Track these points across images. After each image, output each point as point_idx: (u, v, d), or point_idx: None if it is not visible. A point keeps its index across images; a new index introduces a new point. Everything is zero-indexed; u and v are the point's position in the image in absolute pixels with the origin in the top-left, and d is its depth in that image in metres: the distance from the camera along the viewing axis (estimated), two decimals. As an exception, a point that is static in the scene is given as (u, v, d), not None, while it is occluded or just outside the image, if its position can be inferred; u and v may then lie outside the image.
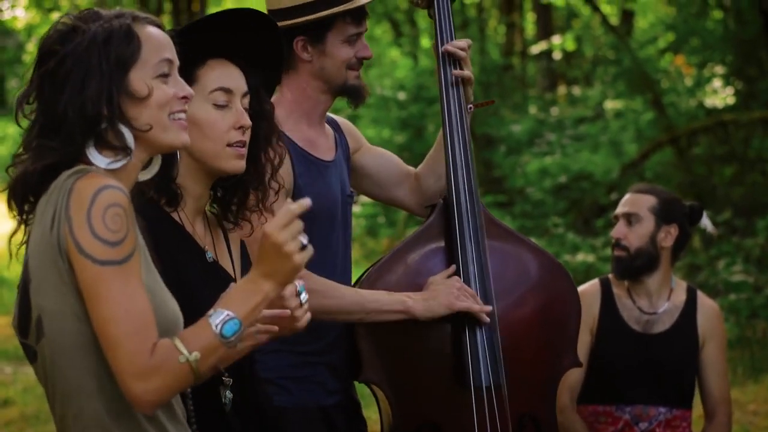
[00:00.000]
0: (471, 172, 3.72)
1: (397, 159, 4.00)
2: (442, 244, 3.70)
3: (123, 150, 2.39)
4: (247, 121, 3.02)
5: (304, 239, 2.42)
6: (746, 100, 12.63)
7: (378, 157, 3.93)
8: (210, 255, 3.01)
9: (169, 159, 2.87)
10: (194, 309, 2.57)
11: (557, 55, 16.31)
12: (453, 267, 3.62)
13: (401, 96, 14.72)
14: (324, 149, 3.68)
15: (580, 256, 10.80)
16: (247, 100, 3.05)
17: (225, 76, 3.02)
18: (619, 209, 4.34)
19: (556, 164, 13.27)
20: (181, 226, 2.99)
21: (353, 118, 14.43)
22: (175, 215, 3.00)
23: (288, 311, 2.71)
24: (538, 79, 17.15)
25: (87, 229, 2.27)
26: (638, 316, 4.28)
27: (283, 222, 2.40)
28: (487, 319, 3.57)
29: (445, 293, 3.52)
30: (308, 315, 2.79)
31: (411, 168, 3.98)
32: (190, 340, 2.32)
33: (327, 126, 3.77)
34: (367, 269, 3.74)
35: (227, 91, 3.01)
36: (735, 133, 11.86)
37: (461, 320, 3.58)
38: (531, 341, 3.74)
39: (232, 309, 2.36)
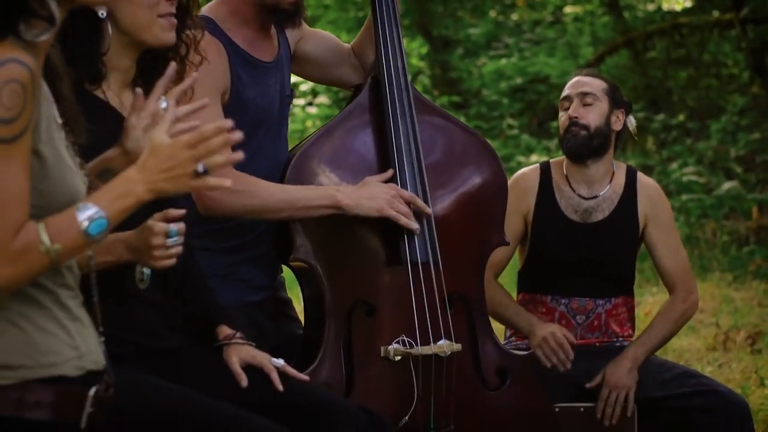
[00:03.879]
0: (401, 48, 3.72)
1: (336, 39, 4.00)
2: (372, 120, 3.69)
3: (48, 20, 2.29)
4: None
5: (201, 167, 2.28)
6: (702, 4, 12.62)
7: (318, 40, 3.93)
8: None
9: (97, 35, 2.84)
10: None
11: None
12: (391, 171, 3.61)
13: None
14: (265, 51, 3.67)
15: (534, 157, 10.85)
16: None
17: None
18: (571, 90, 4.22)
19: (512, 66, 13.27)
20: (106, 103, 2.99)
21: (311, 20, 14.32)
22: (99, 92, 2.99)
23: None
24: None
25: None
26: (577, 203, 4.21)
27: (193, 141, 2.30)
28: (417, 227, 3.55)
29: (380, 197, 3.50)
30: (171, 261, 2.71)
31: (348, 45, 3.98)
32: (54, 230, 2.24)
33: (272, 27, 3.74)
34: (296, 145, 3.73)
35: None
36: (690, 37, 11.87)
37: None
38: (460, 218, 3.75)
39: (102, 206, 2.27)
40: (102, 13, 2.88)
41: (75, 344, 2.36)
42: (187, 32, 3.11)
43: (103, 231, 2.27)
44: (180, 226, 2.70)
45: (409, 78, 3.73)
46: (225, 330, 3.17)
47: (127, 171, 2.32)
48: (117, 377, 2.47)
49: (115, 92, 3.01)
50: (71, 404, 2.35)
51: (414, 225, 3.54)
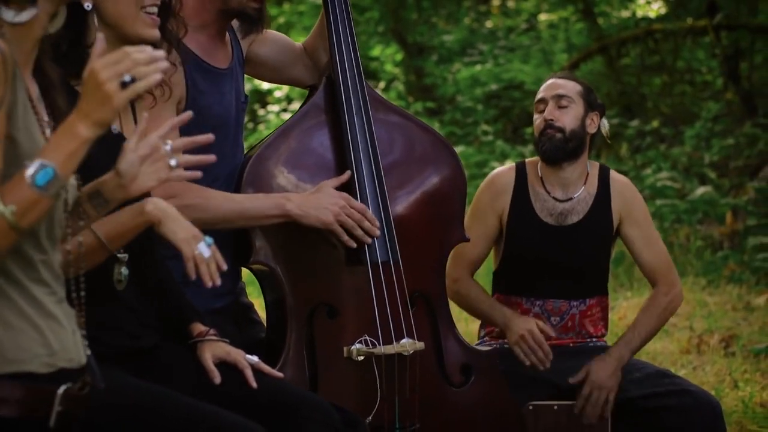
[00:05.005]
0: (354, 47, 3.70)
1: (289, 39, 3.98)
2: (328, 120, 3.67)
3: (28, 1, 2.30)
4: None
5: (127, 77, 2.24)
6: (676, 10, 12.66)
7: (270, 42, 3.90)
8: (115, 127, 2.99)
9: (83, 27, 2.82)
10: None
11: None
12: (348, 173, 3.59)
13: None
14: (219, 57, 3.64)
15: (509, 163, 10.82)
16: None
17: None
18: (546, 92, 4.18)
19: (487, 73, 13.28)
20: None
21: (286, 27, 14.32)
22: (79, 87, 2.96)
23: None
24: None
25: None
26: (552, 206, 4.19)
27: (113, 59, 2.25)
28: (354, 245, 3.53)
29: (325, 209, 3.48)
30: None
31: (301, 45, 3.97)
32: (7, 193, 2.20)
33: (227, 34, 3.72)
34: (252, 147, 3.71)
35: None
36: (664, 43, 11.89)
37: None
38: (419, 216, 3.74)
39: (47, 157, 2.22)
40: (88, 5, 2.91)
41: (45, 341, 2.33)
42: (171, 31, 3.13)
43: (51, 180, 2.22)
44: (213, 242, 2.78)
45: (364, 77, 3.71)
46: (198, 327, 3.18)
47: (70, 115, 2.28)
48: (95, 377, 2.44)
49: None
50: (39, 402, 2.32)
51: (353, 243, 3.52)
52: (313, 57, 3.90)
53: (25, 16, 2.31)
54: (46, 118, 2.39)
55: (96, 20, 2.97)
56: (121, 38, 3.00)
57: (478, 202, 4.25)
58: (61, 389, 2.34)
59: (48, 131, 2.37)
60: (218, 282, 2.73)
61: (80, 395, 2.38)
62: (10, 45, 2.28)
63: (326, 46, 3.74)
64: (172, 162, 2.43)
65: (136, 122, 3.08)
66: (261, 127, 14.08)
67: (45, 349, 2.33)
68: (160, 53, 2.29)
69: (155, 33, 3.03)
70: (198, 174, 2.36)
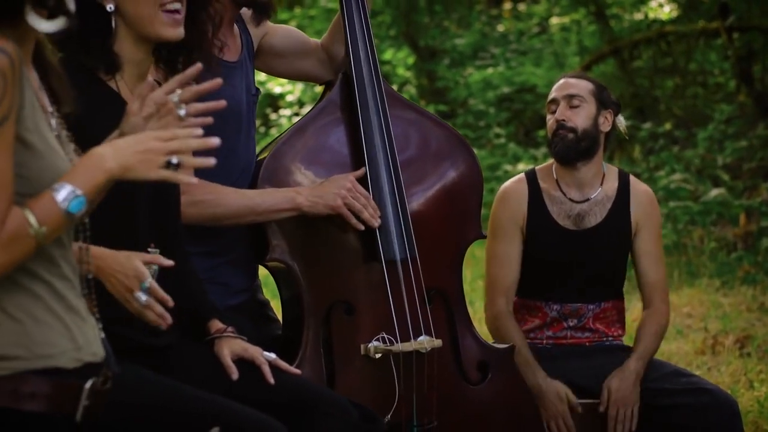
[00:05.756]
0: (371, 44, 3.70)
1: (302, 33, 3.99)
2: (344, 116, 3.67)
3: (62, 12, 2.27)
4: None
5: (174, 159, 2.31)
6: (688, 12, 12.62)
7: (283, 33, 3.91)
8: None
9: (108, 27, 2.85)
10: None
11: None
12: (363, 169, 3.59)
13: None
14: (229, 50, 3.64)
15: (521, 166, 10.83)
16: None
17: None
18: (558, 93, 4.19)
19: (499, 76, 13.26)
20: (117, 94, 2.99)
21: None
22: (112, 83, 3.01)
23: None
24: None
25: None
26: (569, 208, 4.18)
27: (168, 136, 2.32)
28: (362, 227, 3.54)
29: (333, 194, 3.49)
30: (146, 310, 2.75)
31: (316, 41, 3.97)
32: (39, 213, 2.24)
33: (235, 26, 3.72)
34: (268, 144, 3.71)
35: None
36: (677, 45, 11.86)
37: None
38: (435, 213, 3.75)
39: (75, 182, 2.27)
40: (110, 6, 2.97)
41: (72, 336, 2.35)
42: (204, 23, 3.11)
43: (83, 208, 2.26)
44: (150, 282, 2.73)
45: (381, 73, 3.71)
46: (216, 324, 3.19)
47: (102, 146, 2.32)
48: (116, 370, 2.45)
49: (128, 84, 3.02)
50: (67, 396, 2.34)
51: (361, 227, 3.52)
52: (329, 51, 3.89)
53: (58, 25, 2.29)
54: (49, 108, 2.38)
55: (117, 20, 2.99)
56: (143, 37, 3.01)
57: (496, 220, 4.23)
58: (88, 383, 2.35)
59: (53, 122, 2.37)
60: (169, 321, 2.73)
61: (104, 389, 2.39)
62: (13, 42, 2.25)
63: (343, 40, 3.74)
64: (181, 112, 2.41)
65: None
66: (273, 131, 14.08)
67: (72, 344, 2.34)
68: (215, 141, 2.34)
69: (177, 33, 3.01)
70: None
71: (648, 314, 4.23)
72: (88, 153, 2.31)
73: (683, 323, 7.25)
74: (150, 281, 2.73)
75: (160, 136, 2.31)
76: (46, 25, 2.26)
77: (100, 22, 2.98)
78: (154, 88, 2.54)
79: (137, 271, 2.72)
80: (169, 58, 3.09)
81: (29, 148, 2.27)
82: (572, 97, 4.16)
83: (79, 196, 2.25)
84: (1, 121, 2.19)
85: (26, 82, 2.28)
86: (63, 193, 2.24)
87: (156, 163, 2.29)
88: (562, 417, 4.03)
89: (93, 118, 2.69)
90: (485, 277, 4.26)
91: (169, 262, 2.77)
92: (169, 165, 2.30)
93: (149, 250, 2.89)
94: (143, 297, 2.71)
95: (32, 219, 2.21)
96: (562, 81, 4.25)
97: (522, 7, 16.72)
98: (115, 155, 2.29)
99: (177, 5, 3.02)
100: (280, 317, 3.85)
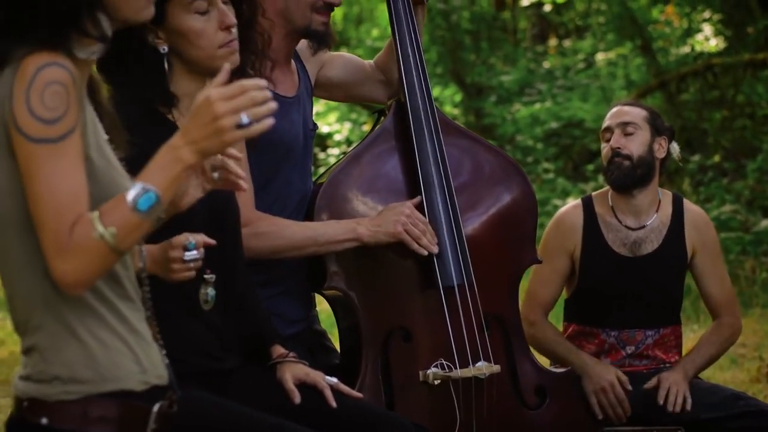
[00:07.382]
0: (423, 71, 3.71)
1: (357, 58, 4.02)
2: (398, 144, 3.69)
3: (100, 39, 2.30)
4: (232, 20, 3.09)
5: (246, 118, 2.24)
6: (734, 45, 12.60)
7: (339, 64, 3.94)
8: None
9: (161, 66, 2.92)
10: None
11: (548, 7, 16.25)
12: (418, 198, 3.61)
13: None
14: (286, 86, 3.67)
15: (570, 200, 10.82)
16: None
17: None
18: (612, 121, 4.19)
19: (546, 112, 13.27)
20: (173, 124, 3.05)
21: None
22: (170, 116, 3.09)
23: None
24: (528, 29, 17.13)
25: (24, 107, 2.19)
26: (624, 236, 4.18)
27: (231, 93, 2.25)
28: (425, 252, 3.55)
29: (392, 221, 3.50)
30: (189, 274, 2.76)
31: (370, 62, 4.01)
32: (107, 214, 2.20)
33: (292, 62, 3.76)
34: (323, 173, 3.73)
35: None
36: (724, 78, 11.84)
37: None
38: (491, 238, 3.75)
39: (149, 180, 2.23)
40: (163, 48, 3.04)
41: (137, 358, 2.33)
42: (256, 33, 3.19)
43: (153, 204, 2.22)
44: (199, 238, 2.74)
45: (433, 100, 3.74)
46: (278, 349, 3.23)
47: (172, 139, 2.28)
48: (178, 394, 2.44)
49: (184, 114, 3.07)
50: (135, 420, 2.32)
51: (423, 252, 3.53)
52: (385, 71, 3.94)
53: (96, 52, 2.32)
54: (105, 136, 2.39)
55: (169, 61, 3.07)
56: (202, 72, 3.08)
57: (546, 243, 4.25)
58: (156, 407, 2.34)
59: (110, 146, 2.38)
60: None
61: (170, 412, 2.38)
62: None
63: (395, 65, 3.77)
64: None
65: None
66: (321, 170, 14.14)
67: (138, 366, 2.33)
68: (269, 94, 2.28)
69: (233, 60, 3.07)
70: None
71: (713, 325, 4.25)
72: (164, 146, 2.28)
73: (737, 352, 7.22)
74: (194, 236, 2.73)
75: (223, 94, 2.25)
76: (85, 53, 2.29)
77: (151, 61, 3.05)
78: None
79: (176, 242, 2.74)
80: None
81: (92, 165, 2.28)
82: (627, 125, 4.17)
83: (148, 191, 2.21)
84: (66, 134, 2.21)
85: (87, 103, 2.31)
86: (132, 192, 2.21)
87: (228, 127, 2.23)
88: (610, 386, 4.03)
89: (151, 150, 2.74)
90: (526, 292, 4.23)
91: (211, 241, 2.77)
92: (240, 126, 2.24)
93: (205, 277, 2.94)
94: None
95: (96, 223, 2.18)
96: (616, 109, 4.26)
97: (567, 43, 16.75)
98: (188, 141, 2.25)
99: (231, 37, 3.09)
100: (337, 346, 3.86)
